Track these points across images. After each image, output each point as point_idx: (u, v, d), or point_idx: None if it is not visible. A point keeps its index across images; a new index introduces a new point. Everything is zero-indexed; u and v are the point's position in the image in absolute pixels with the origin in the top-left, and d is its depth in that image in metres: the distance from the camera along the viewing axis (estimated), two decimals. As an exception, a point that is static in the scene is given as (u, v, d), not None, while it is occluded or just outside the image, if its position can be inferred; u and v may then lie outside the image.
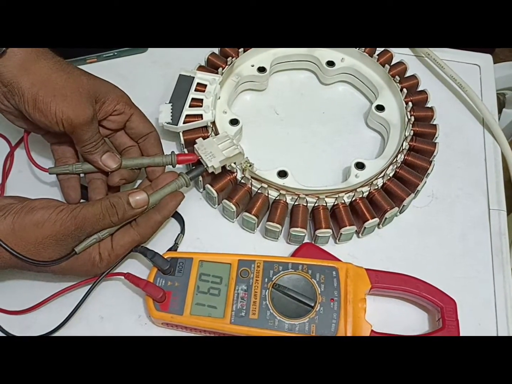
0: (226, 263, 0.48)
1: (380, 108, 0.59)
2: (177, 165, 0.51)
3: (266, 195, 0.52)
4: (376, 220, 0.51)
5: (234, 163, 0.52)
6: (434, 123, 0.58)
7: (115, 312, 0.49)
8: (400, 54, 0.65)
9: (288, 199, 0.52)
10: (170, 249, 0.50)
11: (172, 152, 0.51)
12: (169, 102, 0.56)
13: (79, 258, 0.45)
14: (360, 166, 0.54)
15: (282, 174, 0.53)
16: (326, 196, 0.51)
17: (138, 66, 0.65)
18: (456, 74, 0.63)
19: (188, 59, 0.62)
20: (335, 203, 0.52)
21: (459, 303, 0.48)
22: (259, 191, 0.52)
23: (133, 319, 0.49)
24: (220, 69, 0.59)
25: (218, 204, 0.54)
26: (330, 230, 0.50)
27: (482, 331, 0.49)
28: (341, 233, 0.51)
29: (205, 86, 0.57)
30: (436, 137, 0.57)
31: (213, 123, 0.56)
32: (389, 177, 0.53)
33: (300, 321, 0.45)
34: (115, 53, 0.65)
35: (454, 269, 0.52)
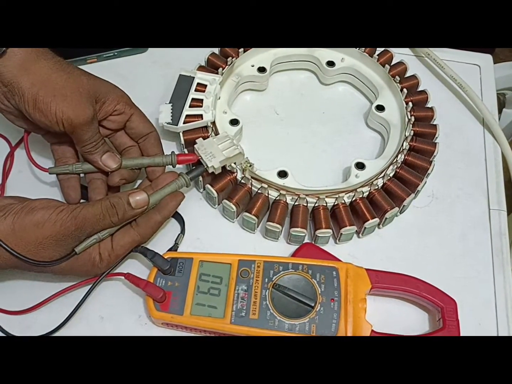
0: (226, 263, 0.48)
1: (380, 108, 0.59)
2: (177, 165, 0.51)
3: (266, 195, 0.52)
4: (376, 220, 0.51)
5: (234, 163, 0.52)
6: (434, 123, 0.58)
7: (115, 312, 0.49)
8: (400, 54, 0.65)
9: (288, 199, 0.51)
10: (170, 249, 0.50)
11: (172, 152, 0.51)
12: (169, 102, 0.56)
13: (79, 258, 0.45)
14: (360, 166, 0.54)
15: (282, 174, 0.52)
16: (326, 196, 0.51)
17: (138, 66, 0.65)
18: (456, 74, 0.63)
19: (188, 59, 0.62)
20: (335, 203, 0.52)
21: (460, 303, 0.48)
22: (259, 191, 0.52)
23: (133, 319, 0.49)
24: (220, 69, 0.59)
25: (218, 204, 0.54)
26: (330, 230, 0.50)
27: (483, 331, 0.49)
28: (341, 233, 0.51)
29: (205, 86, 0.57)
30: (436, 137, 0.57)
31: (213, 123, 0.56)
32: (389, 177, 0.53)
33: (300, 321, 0.45)
34: (115, 53, 0.65)
35: (455, 269, 0.52)
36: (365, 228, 0.51)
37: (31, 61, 0.45)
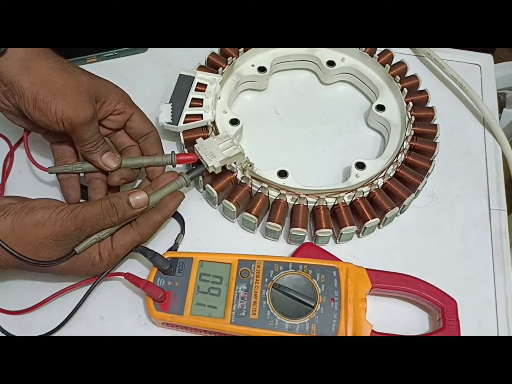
0: (226, 263, 0.48)
1: (381, 108, 0.59)
2: (177, 165, 0.51)
3: (266, 195, 0.52)
4: (377, 220, 0.51)
5: (234, 163, 0.52)
6: (435, 123, 0.58)
7: (115, 312, 0.49)
8: (400, 54, 0.65)
9: (289, 199, 0.51)
10: (170, 249, 0.50)
11: (172, 152, 0.51)
12: (169, 102, 0.56)
13: (79, 258, 0.45)
14: (360, 166, 0.54)
15: (282, 174, 0.52)
16: (327, 196, 0.51)
17: (138, 66, 0.65)
18: (457, 74, 0.63)
19: (188, 59, 0.62)
20: (336, 203, 0.51)
21: (460, 303, 0.48)
22: (259, 191, 0.52)
23: (133, 319, 0.49)
24: (220, 69, 0.59)
25: (218, 204, 0.54)
26: (330, 230, 0.50)
27: (483, 331, 0.49)
28: (341, 233, 0.51)
29: (205, 86, 0.57)
30: (437, 137, 0.57)
31: (213, 123, 0.56)
32: (389, 177, 0.53)
33: (300, 321, 0.45)
34: (115, 53, 0.65)
35: (455, 269, 0.52)
36: (365, 228, 0.51)
37: (31, 60, 0.45)
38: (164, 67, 0.65)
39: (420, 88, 0.61)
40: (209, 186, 0.52)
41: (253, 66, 0.61)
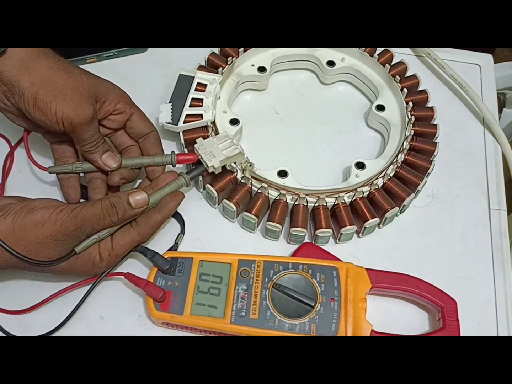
0: (226, 263, 0.48)
1: (381, 108, 0.59)
2: (177, 165, 0.51)
3: (266, 195, 0.52)
4: (377, 220, 0.51)
5: (234, 163, 0.52)
6: (435, 122, 0.58)
7: (115, 312, 0.49)
8: (400, 54, 0.65)
9: (288, 199, 0.51)
10: (170, 249, 0.50)
11: (172, 151, 0.51)
12: (169, 102, 0.56)
13: (79, 258, 0.45)
14: (360, 166, 0.54)
15: (282, 174, 0.52)
16: (327, 196, 0.51)
17: (138, 66, 0.65)
18: (457, 74, 0.63)
19: (188, 59, 0.62)
20: (335, 203, 0.51)
21: (460, 303, 0.48)
22: (259, 191, 0.52)
23: (133, 319, 0.49)
24: (220, 69, 0.59)
25: (218, 204, 0.54)
26: (330, 230, 0.50)
27: (483, 331, 0.49)
28: (341, 233, 0.51)
29: (205, 86, 0.57)
30: (437, 137, 0.57)
31: (213, 123, 0.56)
32: (389, 177, 0.53)
33: (300, 321, 0.45)
34: (115, 53, 0.65)
35: (455, 269, 0.52)
36: (365, 227, 0.51)
37: (32, 60, 0.45)
38: (164, 67, 0.65)
39: (420, 88, 0.61)
40: (209, 186, 0.52)
41: (253, 66, 0.61)
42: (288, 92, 0.64)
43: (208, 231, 0.54)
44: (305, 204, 0.51)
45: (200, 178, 0.53)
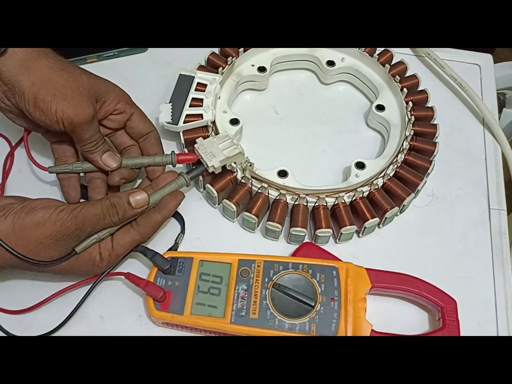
0: (226, 263, 0.48)
1: (380, 107, 0.59)
2: (177, 165, 0.51)
3: (266, 194, 0.52)
4: (377, 219, 0.51)
5: (235, 162, 0.52)
6: (434, 122, 0.58)
7: (115, 312, 0.49)
8: (400, 53, 0.65)
9: (288, 198, 0.51)
10: (170, 249, 0.50)
11: (172, 151, 0.51)
12: (169, 102, 0.56)
13: (79, 258, 0.45)
14: (360, 165, 0.54)
15: (282, 173, 0.53)
16: (327, 196, 0.51)
17: (138, 66, 0.65)
18: (457, 74, 0.63)
19: (188, 59, 0.62)
20: (335, 203, 0.52)
21: (460, 303, 0.48)
22: (259, 190, 0.52)
23: (133, 319, 0.49)
24: (220, 68, 0.59)
25: (218, 204, 0.54)
26: (330, 230, 0.50)
27: (482, 331, 0.49)
28: (341, 233, 0.51)
29: (205, 85, 0.57)
30: (437, 137, 0.57)
31: (213, 122, 0.56)
32: (389, 177, 0.53)
33: (300, 320, 0.45)
34: (115, 53, 0.65)
35: (455, 268, 0.52)
36: (365, 227, 0.51)
37: (32, 60, 0.45)
38: (164, 67, 0.65)
39: (420, 88, 0.61)
40: (209, 186, 0.52)
41: (253, 66, 0.61)
42: (288, 92, 0.64)
43: (208, 231, 0.54)
44: (305, 204, 0.51)
45: (200, 178, 0.53)
